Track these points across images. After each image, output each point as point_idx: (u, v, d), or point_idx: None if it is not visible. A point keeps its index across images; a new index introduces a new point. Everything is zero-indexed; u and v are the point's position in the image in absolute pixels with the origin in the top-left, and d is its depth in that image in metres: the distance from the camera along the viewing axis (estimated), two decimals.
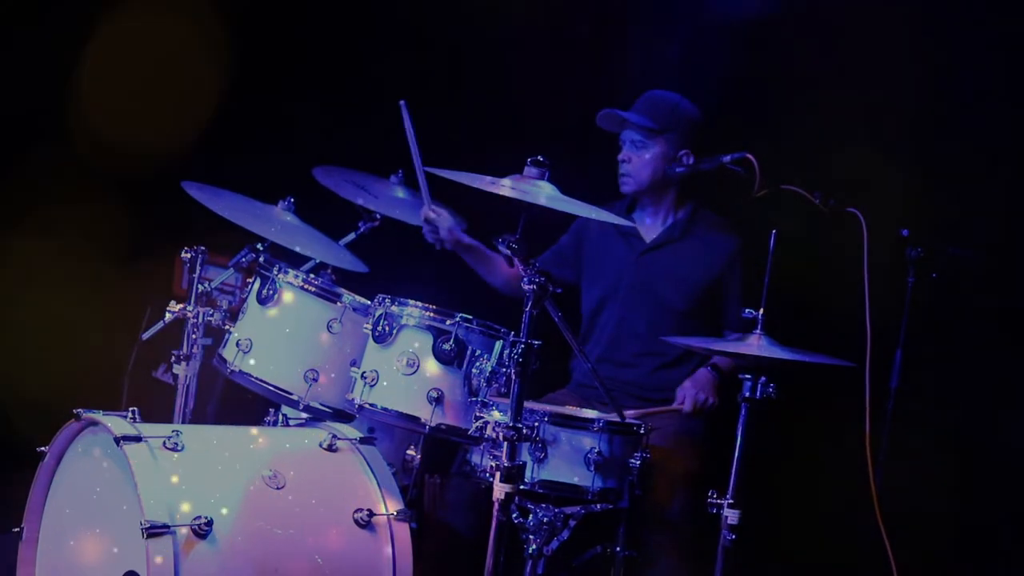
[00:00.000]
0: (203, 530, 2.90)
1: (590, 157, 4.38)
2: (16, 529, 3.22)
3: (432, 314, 3.27)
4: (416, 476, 3.61)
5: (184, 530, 2.88)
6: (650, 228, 4.02)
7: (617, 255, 4.01)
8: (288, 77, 5.10)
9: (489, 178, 3.06)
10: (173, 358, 3.61)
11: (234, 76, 4.91)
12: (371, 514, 3.19)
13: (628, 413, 3.41)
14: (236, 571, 2.95)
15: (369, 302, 3.44)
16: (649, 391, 3.85)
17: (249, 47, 4.89)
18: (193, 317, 3.59)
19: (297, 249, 3.83)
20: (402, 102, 3.70)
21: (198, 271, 3.63)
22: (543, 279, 2.97)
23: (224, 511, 2.97)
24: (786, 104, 4.38)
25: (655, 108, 3.91)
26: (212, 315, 3.60)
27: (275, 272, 3.52)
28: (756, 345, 3.14)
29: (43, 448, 3.20)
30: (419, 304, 3.30)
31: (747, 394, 3.14)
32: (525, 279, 2.97)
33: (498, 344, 3.27)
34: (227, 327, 3.59)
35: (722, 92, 4.13)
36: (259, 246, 3.68)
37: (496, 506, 2.93)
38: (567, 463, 3.26)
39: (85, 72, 4.82)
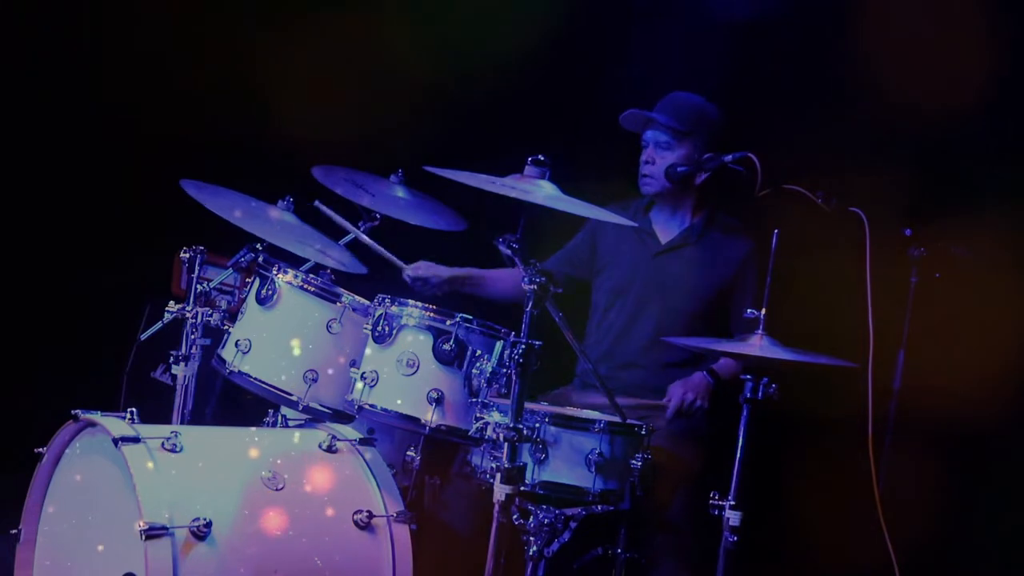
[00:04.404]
0: (202, 532, 2.88)
1: (591, 156, 4.36)
2: (14, 531, 3.21)
3: (432, 314, 3.27)
4: (416, 477, 3.59)
5: (183, 532, 2.87)
6: (666, 230, 4.00)
7: (632, 254, 3.99)
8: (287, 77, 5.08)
9: (489, 178, 3.04)
10: (172, 358, 3.59)
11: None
12: (371, 515, 3.18)
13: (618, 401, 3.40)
14: (235, 573, 2.93)
15: (369, 302, 3.43)
16: (651, 392, 3.83)
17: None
18: (192, 317, 3.57)
19: (308, 254, 3.83)
20: (316, 202, 3.89)
21: (197, 271, 3.61)
22: (544, 279, 2.96)
23: (223, 513, 2.96)
24: (788, 103, 4.37)
25: (681, 110, 3.89)
26: (211, 315, 3.58)
27: (274, 272, 3.51)
28: (758, 345, 3.12)
29: (41, 449, 3.19)
30: (419, 304, 3.29)
31: (748, 395, 3.12)
32: (525, 279, 2.96)
33: (499, 344, 3.26)
34: (226, 327, 3.57)
35: (723, 91, 4.11)
36: (258, 246, 3.66)
37: (496, 507, 2.92)
38: (568, 464, 3.24)
39: None
